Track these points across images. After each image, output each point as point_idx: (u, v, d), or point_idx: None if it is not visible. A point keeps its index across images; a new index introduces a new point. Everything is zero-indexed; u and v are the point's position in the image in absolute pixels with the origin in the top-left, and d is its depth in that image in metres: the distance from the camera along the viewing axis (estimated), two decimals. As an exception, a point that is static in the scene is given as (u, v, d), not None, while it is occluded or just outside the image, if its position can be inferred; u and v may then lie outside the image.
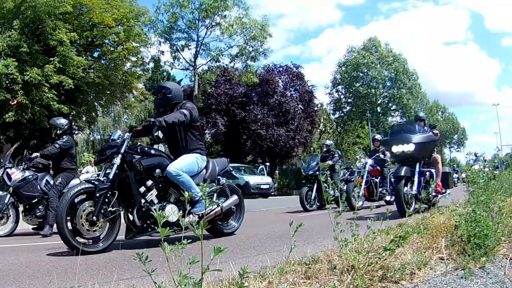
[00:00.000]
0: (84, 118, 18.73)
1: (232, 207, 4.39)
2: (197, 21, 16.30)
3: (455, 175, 25.60)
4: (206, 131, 26.30)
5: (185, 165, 3.91)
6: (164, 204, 3.76)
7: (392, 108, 43.74)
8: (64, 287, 2.24)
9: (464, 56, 79.15)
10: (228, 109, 24.87)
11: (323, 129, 37.83)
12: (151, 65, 20.78)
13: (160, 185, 3.86)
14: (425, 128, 6.13)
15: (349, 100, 42.46)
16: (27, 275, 2.67)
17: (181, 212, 3.77)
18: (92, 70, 16.02)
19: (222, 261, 1.98)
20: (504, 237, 2.37)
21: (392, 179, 8.22)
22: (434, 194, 5.72)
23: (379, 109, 43.06)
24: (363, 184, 7.76)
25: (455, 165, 33.50)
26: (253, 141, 24.79)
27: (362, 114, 40.54)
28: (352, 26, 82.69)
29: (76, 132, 20.74)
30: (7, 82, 14.00)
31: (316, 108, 29.87)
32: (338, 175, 8.55)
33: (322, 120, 36.20)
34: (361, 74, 41.26)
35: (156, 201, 3.75)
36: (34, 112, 14.27)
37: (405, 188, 5.41)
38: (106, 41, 16.89)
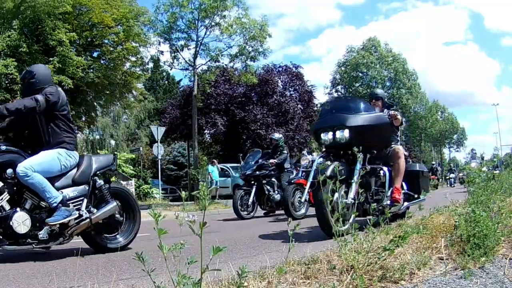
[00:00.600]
0: (83, 118, 18.71)
1: (117, 216, 3.62)
2: (196, 21, 16.25)
3: (451, 175, 25.31)
4: (206, 131, 26.31)
5: (38, 163, 3.24)
6: (14, 210, 3.13)
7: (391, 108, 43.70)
8: (63, 287, 2.24)
9: (464, 56, 79.34)
10: (227, 109, 24.87)
11: (323, 129, 37.79)
12: (151, 65, 20.73)
13: (15, 188, 3.23)
14: (383, 109, 4.72)
15: (348, 100, 42.46)
16: (26, 275, 2.67)
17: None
18: (91, 70, 15.98)
19: (222, 261, 1.98)
20: (503, 237, 2.37)
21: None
22: (389, 203, 4.20)
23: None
24: (307, 187, 5.89)
25: (452, 165, 33.50)
26: (253, 141, 24.78)
27: (361, 114, 40.44)
28: (351, 26, 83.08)
29: (75, 132, 20.72)
30: (6, 82, 13.98)
31: (315, 108, 29.86)
32: (288, 176, 7.36)
33: (321, 120, 36.16)
34: (360, 74, 41.25)
35: (7, 207, 3.14)
36: (34, 112, 14.25)
37: (335, 195, 3.73)
38: (106, 41, 16.85)
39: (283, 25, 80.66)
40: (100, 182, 3.60)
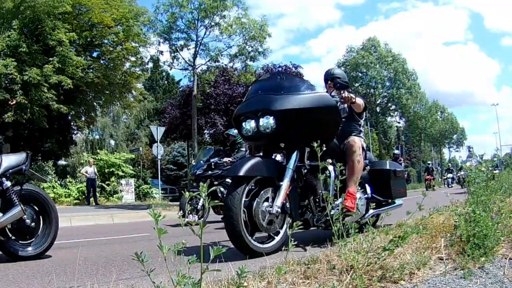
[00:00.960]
0: (83, 118, 18.74)
1: (27, 221, 3.21)
2: (196, 21, 16.22)
3: (449, 175, 25.09)
4: (205, 131, 26.31)
5: None
6: None
7: (391, 108, 43.80)
8: (63, 287, 2.24)
9: (463, 56, 79.60)
10: (227, 109, 24.84)
11: (323, 129, 37.81)
12: (150, 65, 20.76)
13: None
14: (340, 92, 3.36)
15: (348, 100, 42.42)
16: (26, 275, 2.66)
17: None
18: (91, 70, 16.01)
19: (222, 261, 1.98)
20: (503, 237, 2.37)
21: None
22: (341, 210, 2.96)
23: (378, 109, 43.08)
24: None
25: (450, 164, 33.49)
26: (253, 141, 24.78)
27: (361, 114, 40.48)
28: (351, 26, 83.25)
29: (75, 132, 20.73)
30: (6, 82, 13.99)
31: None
32: None
33: (321, 120, 36.14)
34: (360, 74, 41.28)
35: None
36: (33, 112, 14.26)
37: (256, 201, 2.83)
38: (105, 41, 16.88)
39: (283, 25, 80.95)
40: (6, 183, 3.21)
